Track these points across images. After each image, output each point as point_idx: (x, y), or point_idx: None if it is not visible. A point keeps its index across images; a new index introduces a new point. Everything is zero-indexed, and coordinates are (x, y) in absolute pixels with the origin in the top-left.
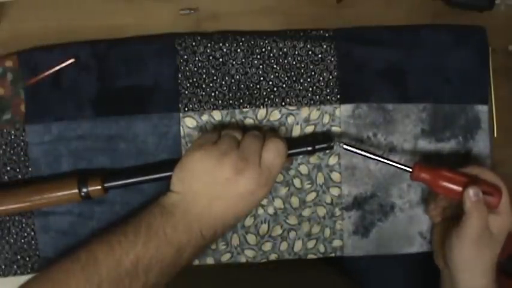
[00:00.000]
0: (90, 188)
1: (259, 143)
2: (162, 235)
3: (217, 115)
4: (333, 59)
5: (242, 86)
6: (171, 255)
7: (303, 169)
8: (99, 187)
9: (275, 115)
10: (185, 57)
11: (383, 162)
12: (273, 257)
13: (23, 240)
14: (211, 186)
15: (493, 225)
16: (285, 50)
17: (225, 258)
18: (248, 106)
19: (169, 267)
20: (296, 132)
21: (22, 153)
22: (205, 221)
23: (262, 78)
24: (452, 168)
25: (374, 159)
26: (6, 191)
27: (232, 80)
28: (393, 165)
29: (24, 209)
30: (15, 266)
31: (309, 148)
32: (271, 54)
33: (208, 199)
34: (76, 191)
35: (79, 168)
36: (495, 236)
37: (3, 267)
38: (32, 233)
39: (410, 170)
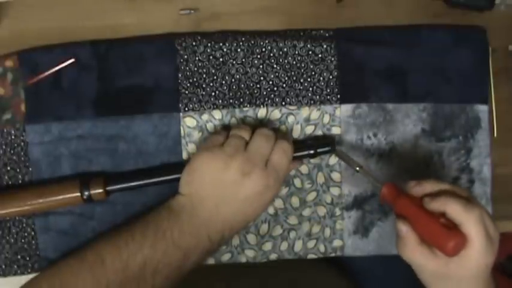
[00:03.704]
0: (93, 191)
1: (268, 144)
2: (170, 238)
3: (217, 114)
4: (333, 59)
5: (242, 85)
6: (178, 259)
7: (303, 169)
8: (101, 190)
9: (275, 115)
10: (185, 57)
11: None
12: (273, 256)
13: (23, 240)
14: (218, 190)
15: (453, 268)
16: (285, 49)
17: (225, 258)
18: (248, 105)
19: (177, 271)
20: (296, 132)
21: (22, 153)
22: (213, 225)
23: (262, 78)
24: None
25: (356, 170)
26: (8, 194)
27: (233, 80)
28: (370, 181)
29: (26, 212)
30: (15, 266)
31: (311, 152)
32: (271, 54)
33: (215, 203)
34: (78, 194)
35: (80, 169)
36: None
37: (3, 267)
38: (32, 233)
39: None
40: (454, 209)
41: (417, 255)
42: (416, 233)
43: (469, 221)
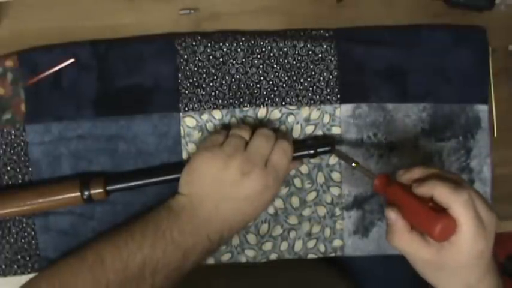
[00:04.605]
0: (93, 191)
1: (268, 144)
2: (169, 238)
3: (217, 114)
4: (333, 59)
5: (242, 85)
6: (178, 259)
7: (303, 169)
8: (101, 190)
9: (275, 114)
10: (185, 57)
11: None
12: (273, 256)
13: (23, 240)
14: (218, 189)
15: (445, 255)
16: (285, 49)
17: (225, 258)
18: (248, 105)
19: (176, 271)
20: (296, 132)
21: (22, 153)
22: (213, 225)
23: (262, 78)
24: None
25: (352, 167)
26: (8, 194)
27: (233, 80)
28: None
29: (26, 212)
30: (15, 266)
31: (311, 152)
32: (271, 54)
33: (215, 203)
34: (78, 194)
35: (80, 169)
36: (450, 268)
37: (3, 267)
38: (32, 233)
39: (374, 175)
40: (442, 192)
41: (406, 242)
42: (407, 220)
43: (457, 204)
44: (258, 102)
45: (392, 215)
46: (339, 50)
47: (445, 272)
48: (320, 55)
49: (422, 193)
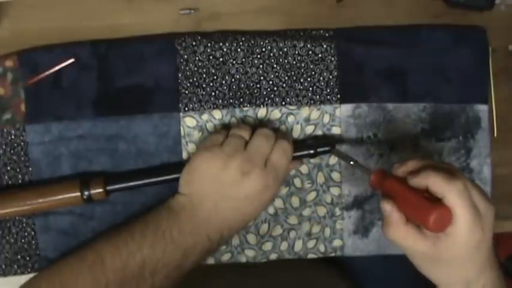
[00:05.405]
0: (93, 191)
1: (268, 144)
2: (169, 237)
3: (217, 114)
4: (333, 59)
5: (242, 85)
6: (177, 259)
7: (303, 169)
8: (101, 190)
9: (275, 114)
10: (185, 56)
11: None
12: (273, 256)
13: (23, 240)
14: (217, 189)
15: (441, 247)
16: (285, 49)
17: (225, 258)
18: (248, 105)
19: (176, 270)
20: (296, 131)
21: (22, 153)
22: (212, 224)
23: (262, 78)
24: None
25: (350, 165)
26: (8, 194)
27: (233, 80)
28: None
29: (26, 212)
30: (15, 266)
31: (311, 151)
32: (271, 54)
33: (214, 202)
34: (78, 194)
35: (80, 169)
36: (445, 260)
37: (3, 267)
38: (32, 233)
39: (371, 171)
40: (435, 182)
41: (401, 235)
42: (402, 212)
43: (452, 193)
44: (258, 102)
45: (387, 207)
46: (339, 50)
47: (443, 265)
48: (320, 55)
49: (417, 184)
